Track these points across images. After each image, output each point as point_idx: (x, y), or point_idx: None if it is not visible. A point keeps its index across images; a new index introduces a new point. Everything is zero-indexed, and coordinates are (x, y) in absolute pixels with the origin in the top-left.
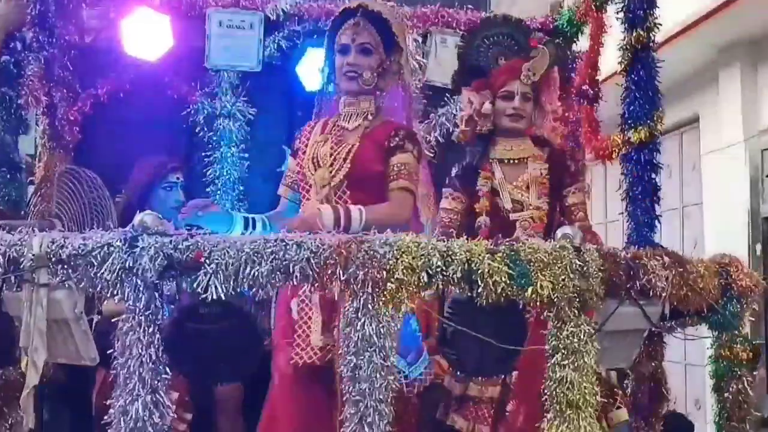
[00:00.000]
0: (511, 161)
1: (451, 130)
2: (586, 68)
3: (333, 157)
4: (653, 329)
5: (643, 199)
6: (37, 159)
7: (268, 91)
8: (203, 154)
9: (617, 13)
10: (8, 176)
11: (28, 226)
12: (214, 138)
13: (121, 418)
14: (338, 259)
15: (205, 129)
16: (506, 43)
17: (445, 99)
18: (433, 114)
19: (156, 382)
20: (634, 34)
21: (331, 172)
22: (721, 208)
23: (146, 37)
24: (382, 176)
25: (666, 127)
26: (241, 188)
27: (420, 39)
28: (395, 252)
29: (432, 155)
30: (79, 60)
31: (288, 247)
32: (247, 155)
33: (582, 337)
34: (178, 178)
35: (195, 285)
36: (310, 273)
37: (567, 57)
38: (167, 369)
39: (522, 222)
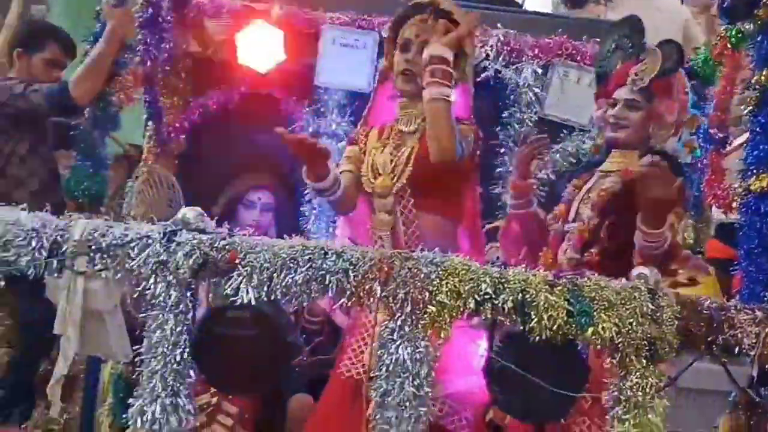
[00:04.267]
0: (605, 174)
1: (563, 170)
2: (716, 110)
3: (393, 163)
4: (750, 396)
5: (759, 254)
6: (141, 162)
7: None
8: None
9: (748, 50)
10: (91, 170)
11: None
12: None
13: (138, 418)
14: (378, 275)
15: None
16: (625, 45)
17: (562, 135)
18: (546, 150)
19: (178, 384)
20: (765, 72)
21: (392, 179)
22: None
23: (259, 50)
24: (448, 177)
25: None
26: None
27: (540, 70)
28: (441, 272)
29: (542, 195)
30: (194, 70)
31: (327, 255)
32: None
33: (648, 390)
34: (259, 198)
35: (227, 287)
36: (347, 286)
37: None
38: (191, 373)
39: (570, 234)
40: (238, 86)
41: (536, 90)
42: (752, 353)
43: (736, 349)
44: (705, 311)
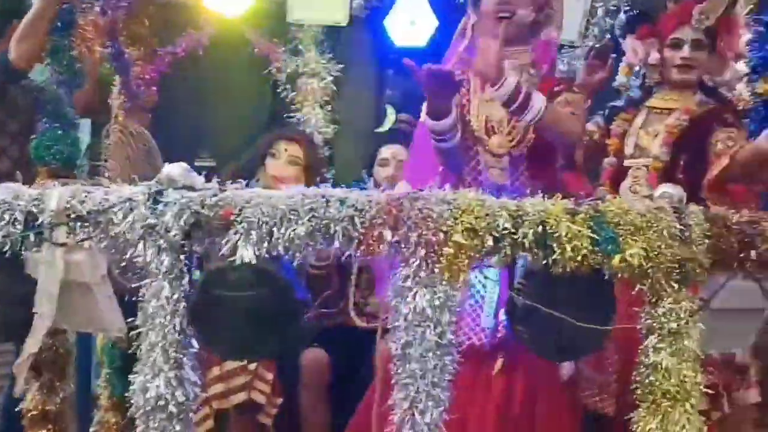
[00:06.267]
0: (660, 111)
1: None
2: None
3: (510, 124)
4: None
5: None
6: (113, 119)
7: (355, 47)
8: (286, 115)
9: None
10: (59, 132)
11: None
12: (299, 97)
13: (141, 396)
14: (387, 219)
15: (288, 88)
16: None
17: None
18: None
19: (181, 356)
20: None
21: (511, 140)
22: None
23: None
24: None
25: None
26: (329, 150)
27: None
28: (454, 211)
29: None
30: (157, 17)
31: (329, 203)
32: (334, 116)
33: (682, 315)
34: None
35: (224, 247)
36: (355, 234)
37: None
38: (194, 342)
39: (634, 170)
40: (206, 30)
41: None
42: None
43: None
44: (735, 226)
